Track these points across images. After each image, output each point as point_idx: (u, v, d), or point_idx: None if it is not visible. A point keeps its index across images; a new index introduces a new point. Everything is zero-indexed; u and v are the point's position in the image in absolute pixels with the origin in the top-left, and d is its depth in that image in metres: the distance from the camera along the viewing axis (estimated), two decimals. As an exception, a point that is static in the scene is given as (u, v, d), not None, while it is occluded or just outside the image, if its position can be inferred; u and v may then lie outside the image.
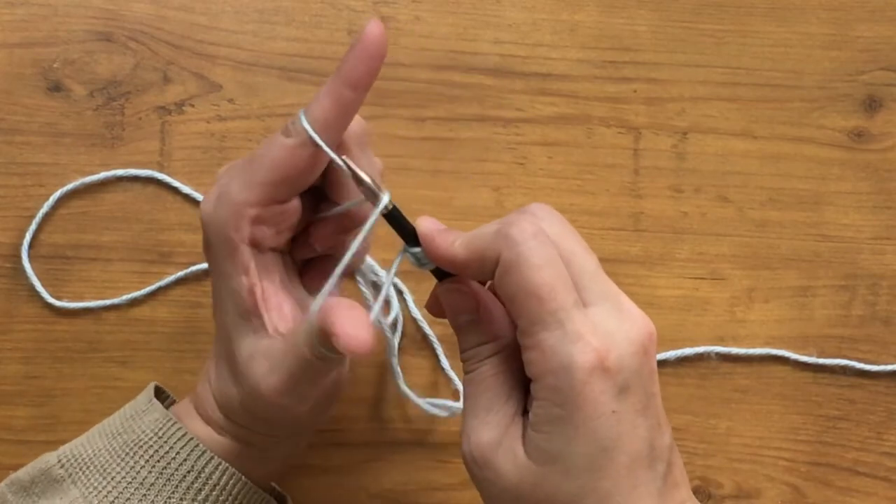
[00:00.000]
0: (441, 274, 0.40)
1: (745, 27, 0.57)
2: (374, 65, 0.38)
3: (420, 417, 0.53)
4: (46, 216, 0.52)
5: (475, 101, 0.55)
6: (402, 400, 0.52)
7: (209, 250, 0.41)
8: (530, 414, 0.36)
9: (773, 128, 0.56)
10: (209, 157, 0.53)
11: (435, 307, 0.42)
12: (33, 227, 0.52)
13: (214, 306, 0.42)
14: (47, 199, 0.52)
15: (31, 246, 0.52)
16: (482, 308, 0.39)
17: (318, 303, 0.37)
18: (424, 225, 0.39)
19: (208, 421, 0.42)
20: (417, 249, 0.39)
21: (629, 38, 0.56)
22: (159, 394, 0.46)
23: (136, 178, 0.53)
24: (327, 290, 0.37)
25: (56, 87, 0.53)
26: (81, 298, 0.52)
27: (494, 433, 0.37)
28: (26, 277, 0.52)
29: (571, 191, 0.55)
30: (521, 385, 0.38)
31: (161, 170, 0.53)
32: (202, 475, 0.41)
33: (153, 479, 0.40)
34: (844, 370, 0.54)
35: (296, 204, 0.40)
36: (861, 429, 0.54)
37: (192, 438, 0.41)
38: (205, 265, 0.52)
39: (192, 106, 0.53)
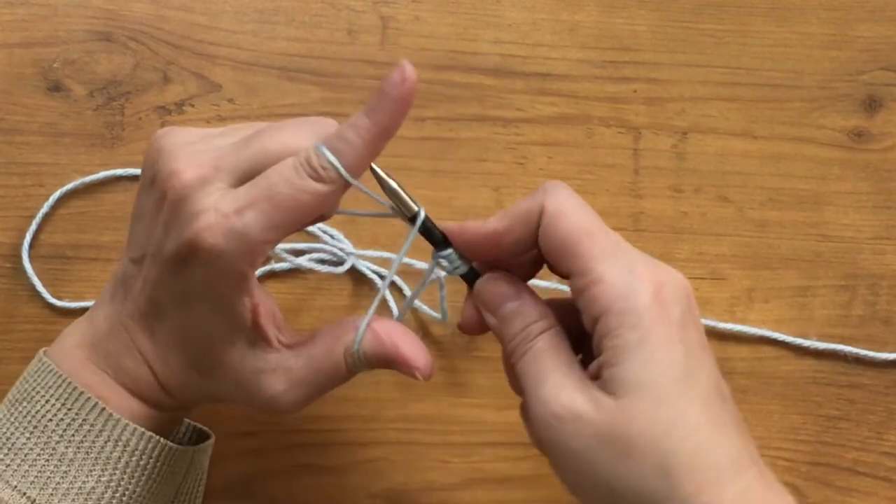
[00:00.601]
0: (472, 277, 0.41)
1: (745, 27, 0.57)
2: (407, 109, 0.38)
3: (420, 417, 0.53)
4: (46, 216, 0.52)
5: (475, 101, 0.55)
6: (403, 400, 0.52)
7: (204, 273, 0.38)
8: (603, 356, 0.36)
9: (773, 128, 0.56)
10: (209, 157, 0.53)
11: (470, 321, 0.42)
12: (33, 227, 0.52)
13: (165, 301, 0.40)
14: (47, 199, 0.52)
15: (31, 246, 0.52)
16: (525, 290, 0.40)
17: (364, 326, 0.40)
18: (452, 224, 0.41)
19: (145, 399, 0.41)
20: (448, 251, 0.40)
21: (629, 38, 0.56)
22: None
23: (135, 178, 0.53)
24: (371, 312, 0.40)
25: (56, 87, 0.53)
26: (81, 298, 0.52)
27: (573, 388, 0.37)
28: (26, 277, 0.51)
29: (571, 191, 0.55)
30: (573, 356, 0.39)
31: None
32: (120, 442, 0.40)
33: (72, 454, 0.40)
34: (846, 359, 0.54)
35: None
36: (861, 429, 0.54)
37: (104, 408, 0.40)
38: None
39: (192, 106, 0.53)
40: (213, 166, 0.38)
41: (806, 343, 0.54)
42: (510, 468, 0.53)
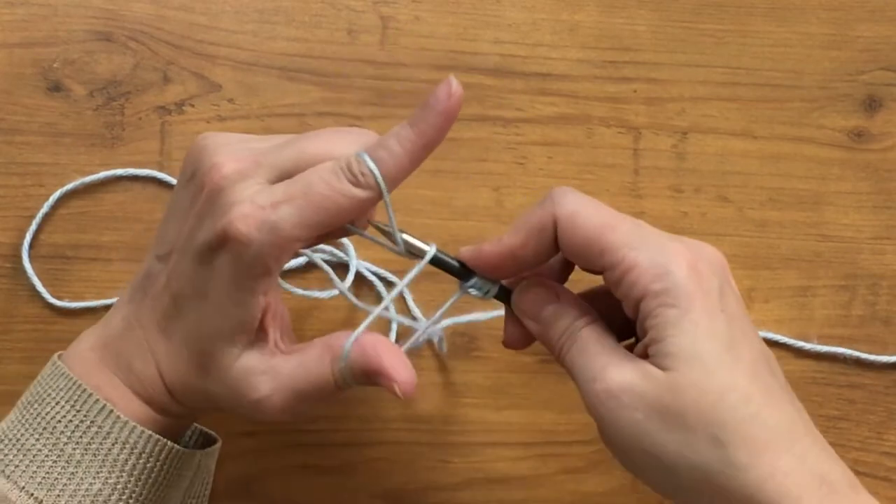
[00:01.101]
0: (504, 295, 0.42)
1: (745, 27, 0.57)
2: (450, 123, 0.39)
3: (420, 417, 0.53)
4: (46, 216, 0.52)
5: (475, 101, 0.55)
6: (403, 400, 0.52)
7: (231, 264, 0.38)
8: (649, 335, 0.37)
9: (773, 128, 0.56)
10: (209, 157, 0.53)
11: (513, 336, 0.42)
12: (33, 227, 0.52)
13: (187, 295, 0.40)
14: (47, 199, 0.52)
15: (31, 246, 0.52)
16: (561, 290, 0.41)
17: (353, 337, 0.39)
18: (466, 250, 0.41)
19: (150, 402, 0.42)
20: (473, 280, 0.41)
21: (629, 38, 0.56)
22: None
23: (135, 178, 0.53)
24: (364, 327, 0.40)
25: (56, 87, 0.53)
26: (81, 298, 0.52)
27: (620, 364, 0.37)
28: (26, 277, 0.51)
29: (571, 191, 0.55)
30: (619, 344, 0.39)
31: (161, 170, 0.53)
32: (128, 445, 0.40)
33: (80, 456, 0.40)
34: (846, 360, 0.54)
35: None
36: (861, 429, 0.54)
37: (112, 410, 0.40)
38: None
39: (192, 106, 0.53)
40: (254, 161, 0.39)
41: (807, 346, 0.54)
42: (510, 468, 0.53)
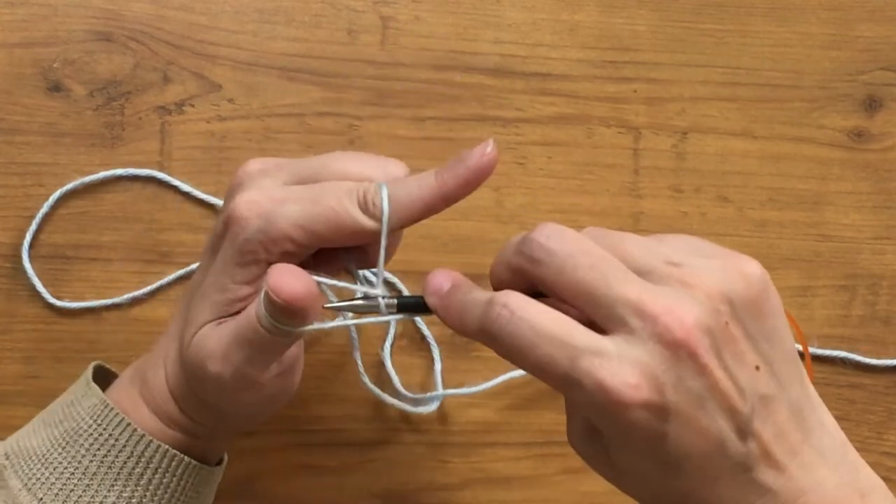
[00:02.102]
0: None
1: (745, 27, 0.57)
2: (476, 187, 0.38)
3: (421, 417, 0.53)
4: (46, 216, 0.52)
5: (475, 101, 0.55)
6: (401, 395, 0.52)
7: (228, 246, 0.39)
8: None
9: (773, 128, 0.56)
10: (209, 157, 0.53)
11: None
12: (33, 227, 0.52)
13: (191, 294, 0.41)
14: (47, 199, 0.52)
15: (31, 246, 0.52)
16: None
17: (269, 274, 0.37)
18: (431, 298, 0.38)
19: (157, 412, 0.42)
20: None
21: (629, 38, 0.56)
22: (101, 372, 0.46)
23: (135, 178, 0.53)
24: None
25: (56, 87, 0.53)
26: (81, 298, 0.52)
27: (584, 436, 0.37)
28: (26, 277, 0.51)
29: (571, 191, 0.55)
30: None
31: (161, 170, 0.53)
32: (143, 459, 0.41)
33: (95, 468, 0.41)
34: (844, 362, 0.54)
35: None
36: (861, 429, 0.54)
37: (129, 424, 0.41)
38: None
39: (192, 106, 0.53)
40: (277, 165, 0.40)
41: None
42: (510, 468, 0.53)
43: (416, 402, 0.52)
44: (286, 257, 0.39)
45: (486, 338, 0.36)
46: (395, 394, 0.52)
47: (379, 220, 0.38)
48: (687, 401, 0.34)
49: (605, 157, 0.55)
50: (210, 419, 0.43)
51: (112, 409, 0.41)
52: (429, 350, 0.53)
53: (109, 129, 0.53)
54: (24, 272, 0.51)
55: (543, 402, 0.53)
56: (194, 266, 0.52)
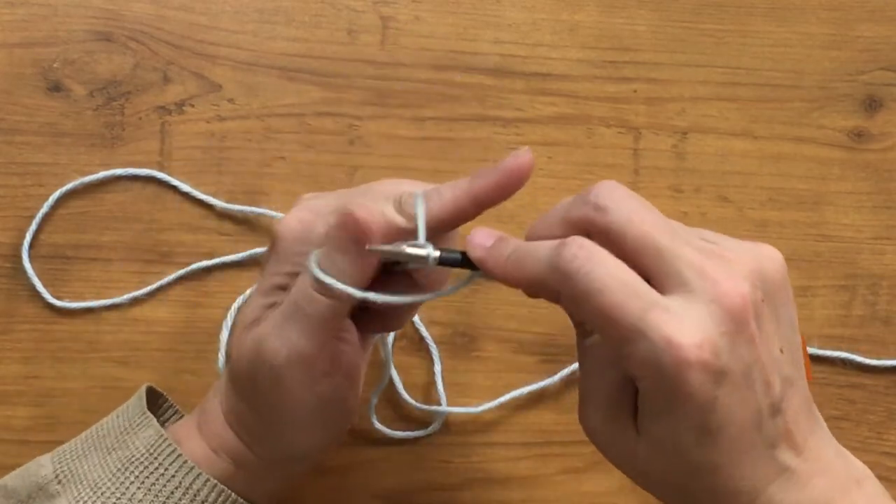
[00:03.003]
0: None
1: (745, 27, 0.57)
2: (510, 192, 0.38)
3: (421, 417, 0.53)
4: (46, 216, 0.52)
5: (475, 101, 0.55)
6: (403, 400, 0.52)
7: (269, 256, 0.41)
8: (639, 398, 0.36)
9: (773, 128, 0.56)
10: (209, 157, 0.53)
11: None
12: (33, 227, 0.52)
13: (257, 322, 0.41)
14: (47, 199, 0.52)
15: (31, 246, 0.52)
16: None
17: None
18: (475, 251, 0.38)
19: (209, 437, 0.43)
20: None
21: (629, 38, 0.56)
22: (153, 395, 0.46)
23: (135, 178, 0.53)
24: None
25: (56, 87, 0.53)
26: (81, 298, 0.52)
27: (607, 411, 0.37)
28: (26, 277, 0.51)
29: (571, 191, 0.54)
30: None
31: (161, 170, 0.53)
32: (190, 492, 0.41)
33: (142, 496, 0.41)
34: (844, 363, 0.54)
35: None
36: (861, 429, 0.54)
37: (181, 455, 0.41)
38: (204, 263, 0.52)
39: (192, 106, 0.53)
40: (329, 192, 0.43)
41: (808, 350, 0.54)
42: (510, 468, 0.53)
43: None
44: None
45: (559, 277, 0.35)
46: (397, 396, 0.52)
47: (411, 218, 0.38)
48: (738, 369, 0.34)
49: (605, 157, 0.55)
50: (261, 435, 0.42)
51: (167, 440, 0.42)
52: (428, 351, 0.53)
53: (109, 129, 0.53)
54: (23, 272, 0.51)
55: (543, 402, 0.53)
56: (194, 266, 0.52)
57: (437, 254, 0.38)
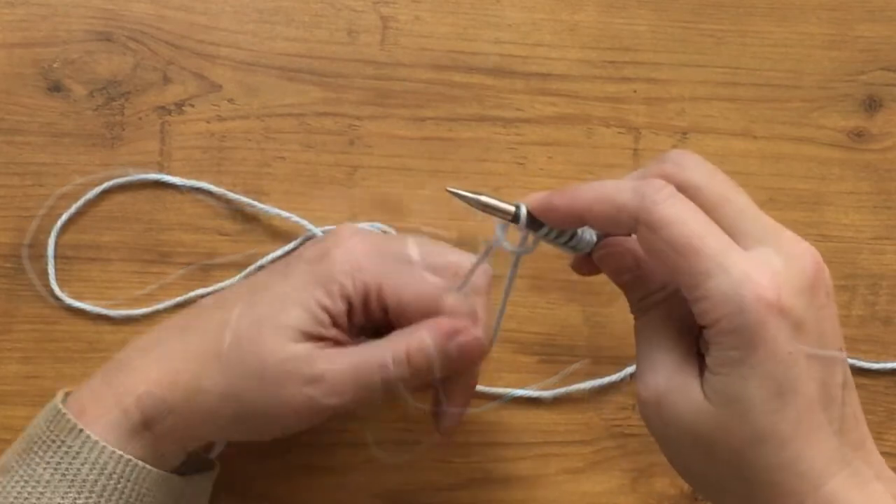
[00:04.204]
0: (565, 242, 0.40)
1: (745, 27, 0.57)
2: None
3: (420, 417, 0.53)
4: (46, 216, 0.52)
5: (475, 101, 0.55)
6: (403, 400, 0.52)
7: (313, 265, 0.42)
8: (707, 357, 0.36)
9: (773, 128, 0.56)
10: (209, 157, 0.53)
11: (583, 266, 0.42)
12: (33, 227, 0.52)
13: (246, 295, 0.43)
14: (47, 199, 0.52)
15: (31, 246, 0.52)
16: (642, 263, 0.39)
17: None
18: (535, 199, 0.40)
19: (124, 393, 0.42)
20: (579, 231, 0.39)
21: (629, 38, 0.56)
22: None
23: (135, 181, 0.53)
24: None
25: (56, 87, 0.53)
26: (81, 298, 0.52)
27: (670, 374, 0.37)
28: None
29: (571, 191, 0.55)
30: (692, 329, 0.37)
31: (161, 170, 0.53)
32: (97, 466, 0.40)
33: (49, 476, 0.40)
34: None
35: None
36: (861, 429, 0.54)
37: (82, 430, 0.40)
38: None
39: (192, 106, 0.53)
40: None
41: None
42: (510, 468, 0.53)
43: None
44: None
45: (643, 204, 0.35)
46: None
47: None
48: (814, 329, 0.35)
49: (605, 157, 0.55)
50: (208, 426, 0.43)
51: (64, 414, 0.41)
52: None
53: (109, 129, 0.53)
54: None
55: (543, 402, 0.53)
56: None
57: (513, 208, 0.39)
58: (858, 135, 0.56)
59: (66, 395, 0.43)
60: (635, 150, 0.55)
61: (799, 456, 0.35)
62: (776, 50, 0.57)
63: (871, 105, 0.57)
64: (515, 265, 0.41)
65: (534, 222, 0.39)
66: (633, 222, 0.36)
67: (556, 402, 0.53)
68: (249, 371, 0.41)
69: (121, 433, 0.41)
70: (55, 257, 0.52)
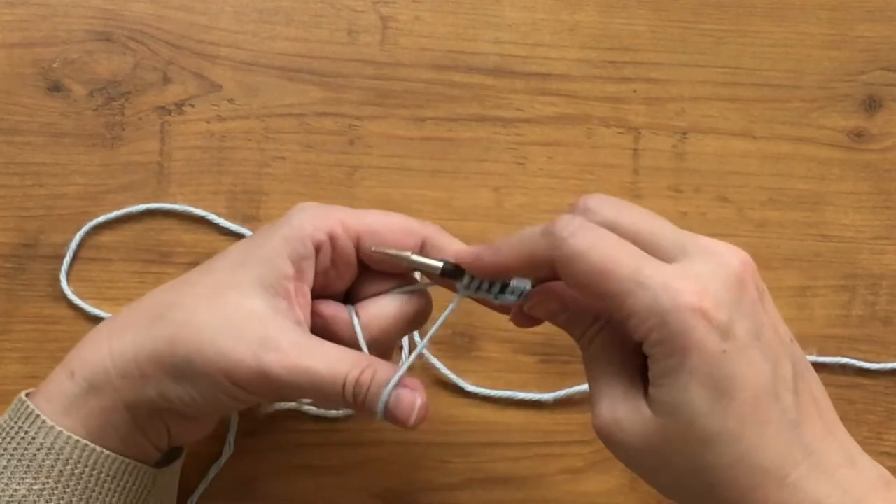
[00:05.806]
0: (504, 290, 0.41)
1: (745, 27, 0.57)
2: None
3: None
4: (47, 217, 0.52)
5: (475, 101, 0.55)
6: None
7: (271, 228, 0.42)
8: (650, 372, 0.36)
9: (773, 128, 0.56)
10: (209, 157, 0.53)
11: (522, 319, 0.43)
12: (34, 227, 0.52)
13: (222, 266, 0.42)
14: (47, 199, 0.52)
15: (31, 246, 0.52)
16: (571, 302, 0.40)
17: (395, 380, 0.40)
18: (461, 253, 0.41)
19: (81, 387, 0.41)
20: (465, 280, 0.41)
21: (629, 38, 0.56)
22: None
23: (135, 179, 0.53)
24: (404, 370, 0.41)
25: (56, 87, 0.53)
26: (81, 298, 0.52)
27: (619, 399, 0.37)
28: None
29: (571, 191, 0.55)
30: (637, 350, 0.38)
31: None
32: (53, 452, 0.40)
33: (6, 462, 0.40)
34: (844, 369, 0.54)
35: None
36: (861, 429, 0.54)
37: (39, 416, 0.41)
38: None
39: (192, 106, 0.53)
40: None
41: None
42: (510, 468, 0.53)
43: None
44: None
45: (553, 242, 0.37)
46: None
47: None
48: (744, 327, 0.35)
49: (605, 157, 0.55)
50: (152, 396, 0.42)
51: (24, 402, 0.41)
52: (423, 356, 0.53)
53: (109, 129, 0.53)
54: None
55: (543, 402, 0.53)
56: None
57: (440, 264, 0.41)
58: (858, 135, 0.56)
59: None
60: (635, 150, 0.55)
61: (752, 450, 0.35)
62: (776, 50, 0.57)
63: (871, 105, 0.57)
64: (448, 311, 0.43)
65: (460, 274, 0.41)
66: (549, 264, 0.37)
67: (557, 402, 0.53)
68: (201, 326, 0.40)
69: (68, 399, 0.41)
70: (73, 258, 0.52)
